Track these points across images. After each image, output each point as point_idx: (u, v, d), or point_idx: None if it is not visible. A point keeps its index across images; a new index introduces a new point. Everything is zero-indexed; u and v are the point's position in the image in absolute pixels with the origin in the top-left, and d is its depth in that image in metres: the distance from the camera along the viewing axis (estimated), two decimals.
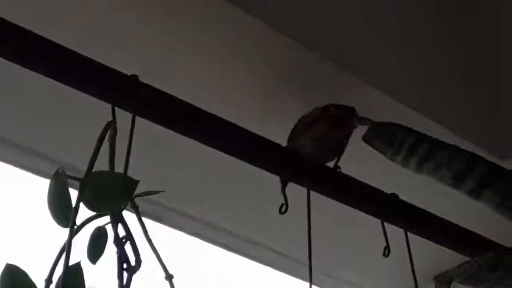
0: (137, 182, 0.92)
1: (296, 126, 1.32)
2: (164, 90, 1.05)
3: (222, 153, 1.16)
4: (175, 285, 0.86)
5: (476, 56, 1.51)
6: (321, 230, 1.27)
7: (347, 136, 1.32)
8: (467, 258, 1.32)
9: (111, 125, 0.95)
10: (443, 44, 1.52)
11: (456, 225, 1.33)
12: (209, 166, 1.39)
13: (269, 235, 1.57)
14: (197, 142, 1.12)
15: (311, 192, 1.25)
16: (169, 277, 0.87)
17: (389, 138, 0.99)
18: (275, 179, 1.23)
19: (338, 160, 1.33)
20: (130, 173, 0.95)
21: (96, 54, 1.00)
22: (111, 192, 0.92)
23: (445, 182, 0.98)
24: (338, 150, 1.33)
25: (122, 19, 1.18)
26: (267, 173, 1.20)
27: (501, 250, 0.84)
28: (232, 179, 1.44)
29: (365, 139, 1.00)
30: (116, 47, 1.20)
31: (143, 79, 1.03)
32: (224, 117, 1.13)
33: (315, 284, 1.55)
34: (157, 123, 1.08)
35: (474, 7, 1.51)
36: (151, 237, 0.92)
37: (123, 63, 1.04)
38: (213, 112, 1.11)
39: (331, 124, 1.28)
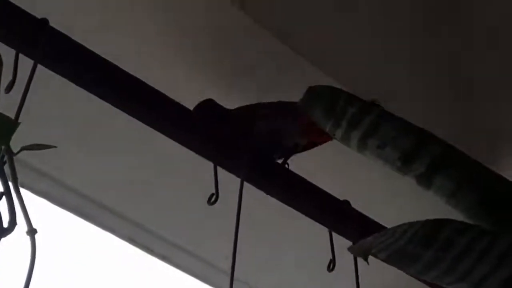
0: (17, 123, 0.78)
1: (256, 109, 1.16)
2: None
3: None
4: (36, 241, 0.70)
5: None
6: (252, 238, 1.10)
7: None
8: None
9: None
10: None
11: None
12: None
13: (189, 236, 1.39)
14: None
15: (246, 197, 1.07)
16: (31, 231, 0.71)
17: (329, 105, 0.82)
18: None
19: (288, 157, 1.17)
20: None
21: None
22: None
23: (392, 164, 0.81)
24: (291, 150, 1.17)
25: None
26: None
27: (437, 220, 0.66)
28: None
29: (301, 105, 0.84)
30: None
31: None
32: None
33: None
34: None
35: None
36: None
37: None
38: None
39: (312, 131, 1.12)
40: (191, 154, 1.07)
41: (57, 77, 0.94)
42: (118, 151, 1.28)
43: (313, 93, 0.84)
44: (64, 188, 1.33)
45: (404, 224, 0.65)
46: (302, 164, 1.13)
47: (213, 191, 1.05)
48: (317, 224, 1.14)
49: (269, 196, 1.12)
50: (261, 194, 1.11)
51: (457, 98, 1.32)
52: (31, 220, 0.73)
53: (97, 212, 1.37)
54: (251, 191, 1.08)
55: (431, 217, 0.77)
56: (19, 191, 0.75)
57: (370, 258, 1.11)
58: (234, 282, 0.97)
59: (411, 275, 0.66)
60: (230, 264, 0.98)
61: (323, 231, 1.14)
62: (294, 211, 1.13)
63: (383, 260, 0.63)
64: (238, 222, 1.01)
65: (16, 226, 0.76)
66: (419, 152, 0.80)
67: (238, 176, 1.06)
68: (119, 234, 1.39)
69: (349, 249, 0.66)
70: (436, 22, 1.24)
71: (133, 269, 1.41)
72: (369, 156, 0.84)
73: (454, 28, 1.24)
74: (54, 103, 1.19)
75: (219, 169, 1.07)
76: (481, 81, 1.29)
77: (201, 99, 1.12)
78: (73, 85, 0.95)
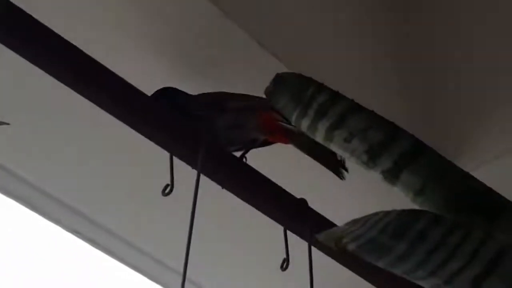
0: None
1: (220, 99, 1.13)
2: None
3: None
4: None
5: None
6: (205, 235, 1.06)
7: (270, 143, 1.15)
8: None
9: None
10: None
11: None
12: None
13: (138, 231, 1.35)
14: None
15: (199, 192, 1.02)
16: None
17: (296, 93, 0.79)
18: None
19: (247, 151, 1.14)
20: None
21: None
22: None
23: (358, 158, 0.79)
24: (249, 145, 1.15)
25: None
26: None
27: (413, 210, 0.64)
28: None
29: (267, 93, 0.80)
30: None
31: None
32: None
33: None
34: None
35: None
36: None
37: None
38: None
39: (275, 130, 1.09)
40: (146, 142, 1.03)
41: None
42: (68, 138, 1.23)
43: (280, 80, 0.81)
44: (9, 175, 1.27)
45: (379, 212, 0.62)
46: (260, 159, 1.10)
47: (168, 182, 1.01)
48: (271, 221, 1.11)
49: (224, 191, 1.08)
50: (215, 189, 1.08)
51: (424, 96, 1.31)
52: None
53: (42, 201, 1.32)
54: (205, 186, 1.04)
55: None
56: None
57: (326, 257, 1.09)
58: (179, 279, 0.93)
59: (379, 268, 0.63)
60: (179, 262, 0.94)
61: (278, 229, 1.11)
62: (249, 207, 1.09)
63: (352, 252, 0.60)
64: (193, 217, 0.97)
65: None
66: (387, 146, 0.77)
67: (194, 168, 1.02)
68: (64, 225, 1.34)
69: (318, 236, 0.63)
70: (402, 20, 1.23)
71: (77, 262, 1.36)
72: (335, 148, 0.81)
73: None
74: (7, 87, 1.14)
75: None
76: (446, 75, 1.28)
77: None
78: (31, 70, 0.90)
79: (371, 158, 0.78)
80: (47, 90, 1.05)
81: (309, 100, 0.79)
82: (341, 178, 1.09)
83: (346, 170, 1.08)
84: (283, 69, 1.13)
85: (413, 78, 1.33)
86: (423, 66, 1.33)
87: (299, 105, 0.80)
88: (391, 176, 0.77)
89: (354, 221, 0.62)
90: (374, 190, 1.22)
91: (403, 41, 1.33)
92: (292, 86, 0.81)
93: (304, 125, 0.81)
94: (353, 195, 1.29)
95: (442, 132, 1.31)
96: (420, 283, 0.63)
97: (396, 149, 0.77)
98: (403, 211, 0.63)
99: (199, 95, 1.12)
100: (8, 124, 0.78)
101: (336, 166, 1.08)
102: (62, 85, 0.93)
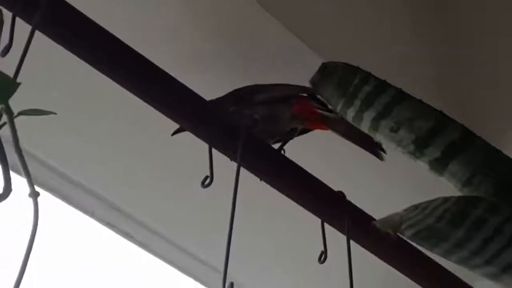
0: (16, 84, 0.73)
1: (253, 92, 1.13)
2: None
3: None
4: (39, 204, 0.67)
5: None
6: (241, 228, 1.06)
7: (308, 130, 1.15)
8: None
9: None
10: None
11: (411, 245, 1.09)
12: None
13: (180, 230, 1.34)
14: None
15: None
16: (34, 194, 0.67)
17: (342, 83, 0.79)
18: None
19: (284, 143, 1.14)
20: None
21: None
22: None
23: (404, 148, 0.78)
24: (287, 136, 1.14)
25: None
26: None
27: (471, 197, 0.63)
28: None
29: (313, 82, 0.80)
30: None
31: None
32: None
33: None
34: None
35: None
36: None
37: None
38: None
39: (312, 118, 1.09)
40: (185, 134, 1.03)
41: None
42: (102, 130, 1.24)
43: (326, 69, 0.81)
44: (43, 166, 1.27)
45: (437, 199, 0.61)
46: (298, 151, 1.09)
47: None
48: (310, 214, 1.10)
49: (262, 184, 1.08)
50: (253, 181, 1.07)
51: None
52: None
53: (75, 193, 1.32)
54: (243, 178, 1.03)
55: None
56: (21, 153, 0.70)
57: (363, 251, 1.08)
58: (216, 275, 0.93)
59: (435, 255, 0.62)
60: (216, 256, 0.93)
61: (316, 221, 1.10)
62: (287, 199, 1.09)
63: (409, 238, 0.60)
64: (233, 211, 0.96)
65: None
66: (435, 136, 0.77)
67: (233, 160, 1.01)
68: (97, 218, 1.34)
69: (376, 223, 0.62)
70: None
71: (112, 255, 1.36)
72: (381, 138, 0.81)
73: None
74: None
75: None
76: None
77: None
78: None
79: (418, 148, 0.77)
80: (89, 80, 1.04)
81: (354, 89, 0.79)
82: (380, 159, 1.09)
83: (384, 151, 1.09)
84: None
85: (452, 75, 1.32)
86: (461, 64, 1.31)
87: (345, 95, 0.79)
88: (439, 166, 0.77)
89: (414, 207, 0.62)
90: (411, 182, 1.21)
91: (443, 40, 1.32)
92: (338, 75, 0.80)
93: (350, 115, 0.80)
94: (390, 187, 1.28)
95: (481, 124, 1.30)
96: (477, 271, 0.62)
97: (445, 139, 0.76)
98: (461, 197, 0.62)
99: (226, 94, 1.12)
100: (55, 113, 0.78)
101: (374, 148, 1.09)
102: (104, 77, 0.93)
